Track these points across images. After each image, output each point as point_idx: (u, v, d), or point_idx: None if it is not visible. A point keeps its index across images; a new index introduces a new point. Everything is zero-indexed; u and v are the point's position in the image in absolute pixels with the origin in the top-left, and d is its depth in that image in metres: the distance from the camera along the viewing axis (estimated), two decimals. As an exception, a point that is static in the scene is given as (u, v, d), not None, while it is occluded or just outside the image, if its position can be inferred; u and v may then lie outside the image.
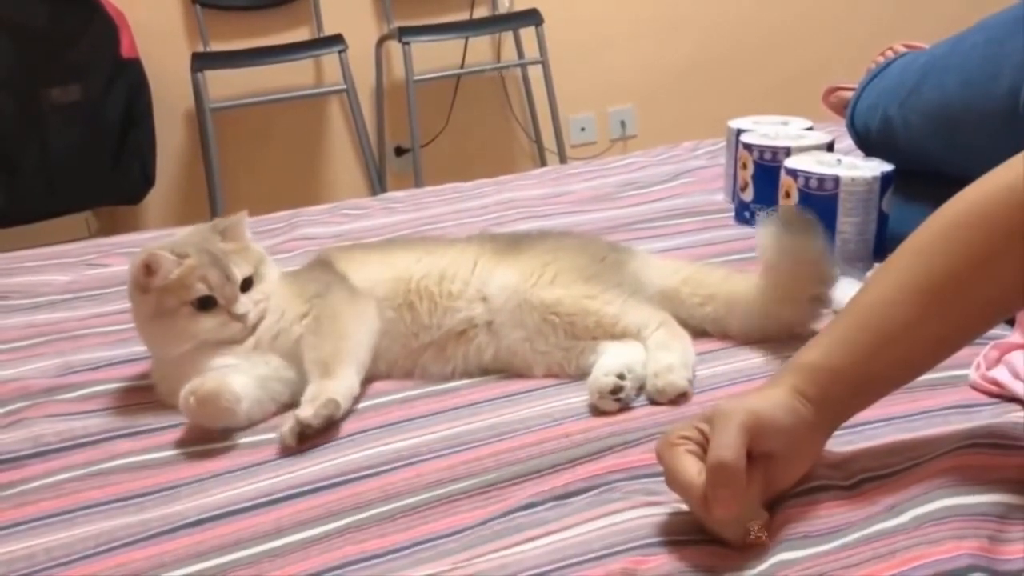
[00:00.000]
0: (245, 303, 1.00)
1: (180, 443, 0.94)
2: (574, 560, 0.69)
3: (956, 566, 0.63)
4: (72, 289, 1.36)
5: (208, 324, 0.99)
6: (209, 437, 0.94)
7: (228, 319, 0.99)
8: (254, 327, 1.01)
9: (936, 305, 0.72)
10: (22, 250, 1.58)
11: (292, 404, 0.97)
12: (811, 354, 0.74)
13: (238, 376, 0.95)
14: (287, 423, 0.91)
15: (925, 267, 0.73)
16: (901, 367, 0.75)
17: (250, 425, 0.95)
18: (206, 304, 0.99)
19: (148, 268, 0.98)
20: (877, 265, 1.19)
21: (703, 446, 0.69)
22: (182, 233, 1.08)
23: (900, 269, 0.75)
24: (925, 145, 1.25)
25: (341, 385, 0.95)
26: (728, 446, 0.66)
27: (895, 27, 2.55)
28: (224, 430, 0.94)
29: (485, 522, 0.75)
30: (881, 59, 1.48)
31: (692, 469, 0.68)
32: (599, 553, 0.70)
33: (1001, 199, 0.72)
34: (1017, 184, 0.72)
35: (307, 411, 0.91)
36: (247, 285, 1.02)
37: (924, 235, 0.75)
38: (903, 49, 1.49)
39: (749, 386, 0.95)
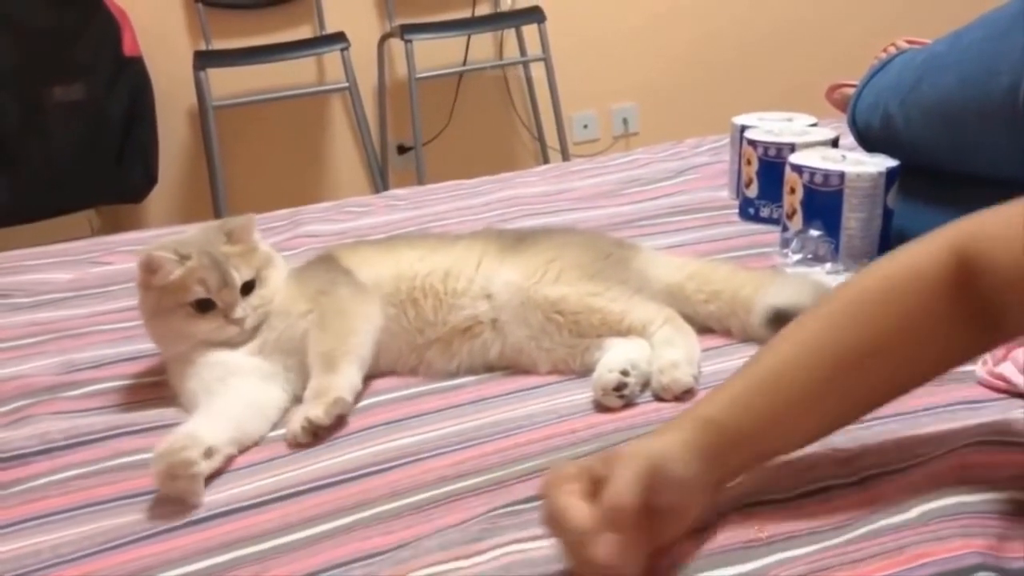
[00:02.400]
0: (243, 308, 1.00)
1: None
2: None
3: (964, 564, 0.63)
4: (75, 287, 1.36)
5: (205, 326, 0.99)
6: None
7: (225, 323, 0.99)
8: (254, 331, 1.01)
9: (839, 377, 0.71)
10: (25, 248, 1.58)
11: (293, 403, 0.97)
12: (710, 408, 0.71)
13: (209, 428, 0.89)
14: (296, 420, 0.91)
15: (831, 335, 0.72)
16: (795, 435, 0.73)
17: (244, 449, 0.92)
18: (204, 306, 0.99)
19: (149, 268, 0.99)
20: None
21: (593, 489, 0.65)
22: (190, 232, 1.08)
23: (807, 335, 0.73)
24: (926, 142, 1.25)
25: (344, 380, 0.95)
26: (627, 492, 0.63)
27: (899, 23, 2.55)
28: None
29: (491, 518, 0.75)
30: (883, 55, 1.48)
31: (579, 511, 0.64)
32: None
33: (907, 279, 0.72)
34: (920, 262, 0.71)
35: (318, 410, 0.91)
36: (248, 289, 1.02)
37: (834, 304, 0.74)
38: (905, 45, 1.48)
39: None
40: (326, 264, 1.11)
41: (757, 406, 0.71)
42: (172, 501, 0.83)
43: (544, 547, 0.70)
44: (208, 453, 0.86)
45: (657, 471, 0.65)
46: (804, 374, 0.71)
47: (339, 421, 0.93)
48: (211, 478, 0.87)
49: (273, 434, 0.94)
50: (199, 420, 0.90)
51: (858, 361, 0.71)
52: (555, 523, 0.65)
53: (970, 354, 0.76)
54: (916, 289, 0.70)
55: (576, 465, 0.68)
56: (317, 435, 0.91)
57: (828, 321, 0.73)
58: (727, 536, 0.69)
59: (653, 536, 0.67)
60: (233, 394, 0.95)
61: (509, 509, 0.76)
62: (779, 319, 0.98)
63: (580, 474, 0.66)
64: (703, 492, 0.69)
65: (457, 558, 0.70)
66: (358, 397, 0.99)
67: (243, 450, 0.91)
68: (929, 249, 0.72)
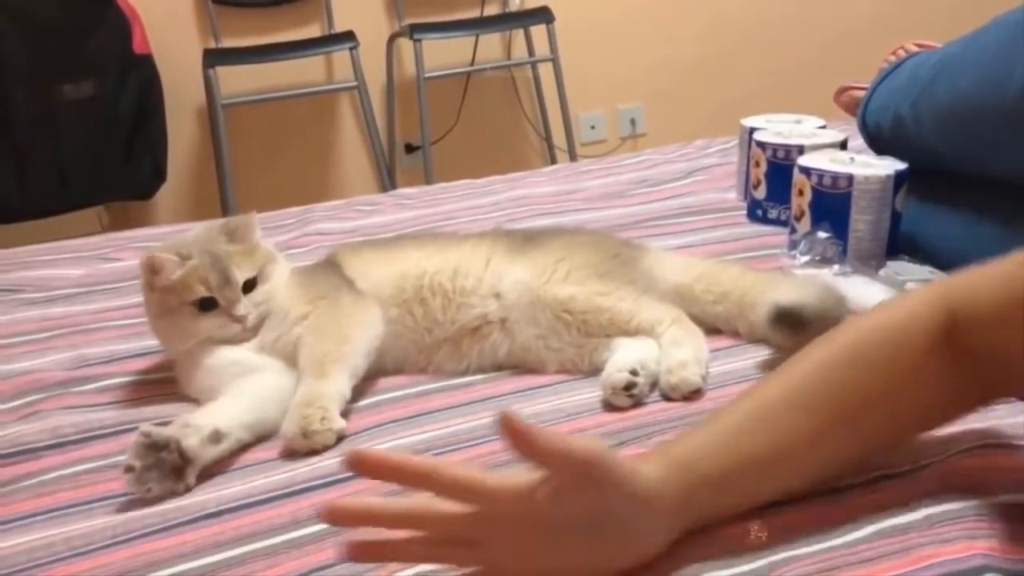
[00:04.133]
0: (246, 305, 1.01)
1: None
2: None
3: (970, 566, 0.63)
4: (86, 283, 1.37)
5: (208, 324, 1.00)
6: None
7: (228, 320, 1.00)
8: (256, 328, 1.02)
9: (827, 424, 0.69)
10: (35, 244, 1.59)
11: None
12: (684, 450, 0.69)
13: (220, 413, 0.91)
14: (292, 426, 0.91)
15: (813, 393, 0.70)
16: (774, 481, 0.70)
17: (258, 440, 0.93)
18: (207, 305, 1.00)
19: (151, 268, 1.00)
20: (890, 263, 1.19)
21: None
22: (192, 232, 1.08)
23: (796, 379, 0.71)
24: (937, 144, 1.25)
25: (332, 388, 0.94)
26: (553, 439, 0.61)
27: (907, 26, 2.54)
28: None
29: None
30: (893, 58, 1.48)
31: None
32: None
33: (898, 324, 0.71)
34: (914, 310, 0.71)
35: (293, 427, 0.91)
36: (250, 286, 1.02)
37: (826, 349, 0.72)
38: (915, 48, 1.48)
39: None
40: (329, 269, 1.11)
41: (732, 451, 0.68)
42: (190, 493, 0.84)
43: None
44: (215, 437, 0.87)
45: (605, 464, 0.63)
46: (791, 419, 0.69)
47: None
48: (222, 470, 0.87)
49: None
50: (211, 407, 0.92)
51: (841, 416, 0.69)
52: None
53: (961, 410, 0.74)
54: (909, 340, 0.69)
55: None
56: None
57: (819, 365, 0.71)
58: (727, 535, 0.69)
59: (598, 545, 0.64)
60: (251, 384, 0.96)
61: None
62: (783, 317, 0.98)
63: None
64: (666, 527, 0.66)
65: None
66: (366, 393, 0.99)
67: (259, 438, 0.92)
68: (917, 304, 0.71)
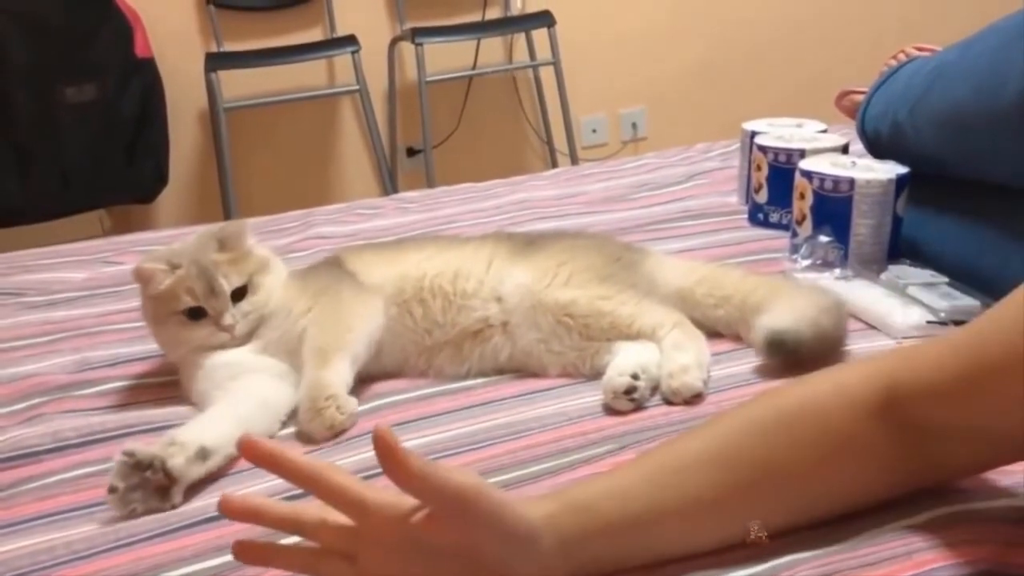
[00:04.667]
0: (233, 314, 1.01)
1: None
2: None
3: (972, 571, 0.63)
4: (89, 286, 1.37)
5: (198, 333, 1.01)
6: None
7: (216, 329, 1.01)
8: (248, 335, 1.02)
9: (745, 488, 0.66)
10: (36, 247, 1.59)
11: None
12: (585, 492, 0.67)
13: (207, 429, 0.89)
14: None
15: (746, 444, 0.67)
16: (680, 538, 0.67)
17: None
18: (196, 314, 1.00)
19: (141, 278, 1.01)
20: (891, 267, 1.19)
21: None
22: (186, 240, 1.09)
23: (719, 438, 0.68)
24: (935, 151, 1.25)
25: (334, 375, 0.95)
26: (427, 467, 0.59)
27: (908, 30, 2.55)
28: None
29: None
30: (893, 62, 1.48)
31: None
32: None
33: (833, 398, 0.68)
34: (850, 387, 0.67)
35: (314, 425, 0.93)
36: (240, 295, 1.03)
37: (753, 411, 0.69)
38: (915, 52, 1.48)
39: (763, 387, 0.95)
40: (330, 266, 1.11)
41: (643, 498, 0.65)
42: (191, 497, 0.84)
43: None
44: (202, 455, 0.85)
45: (481, 501, 0.61)
46: (705, 477, 0.66)
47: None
48: (223, 475, 0.87)
49: (284, 432, 0.95)
50: (198, 422, 0.91)
51: (769, 474, 0.66)
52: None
53: (896, 488, 0.69)
54: (840, 409, 0.67)
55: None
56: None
57: (743, 428, 0.68)
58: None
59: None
60: (242, 393, 0.96)
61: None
62: (776, 344, 0.98)
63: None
64: (544, 569, 0.64)
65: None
66: (366, 397, 0.99)
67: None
68: (859, 372, 0.68)
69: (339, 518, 0.64)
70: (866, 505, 0.69)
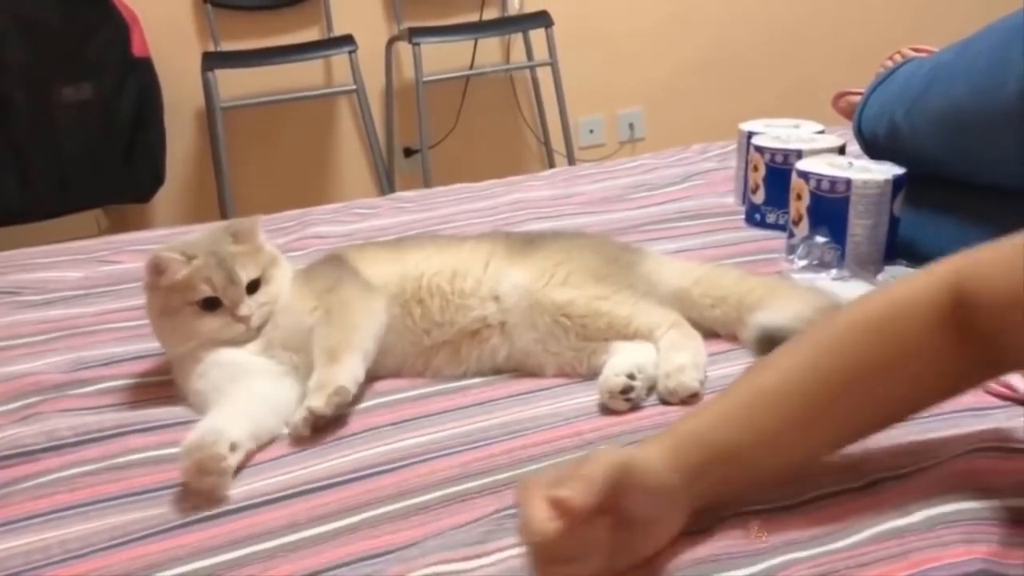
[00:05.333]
0: (249, 305, 1.01)
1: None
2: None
3: (967, 570, 0.64)
4: (85, 285, 1.37)
5: (212, 324, 1.00)
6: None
7: (231, 320, 1.00)
8: (259, 328, 1.02)
9: (832, 401, 0.70)
10: (33, 247, 1.59)
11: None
12: (695, 423, 0.71)
13: (231, 422, 0.89)
14: (298, 414, 0.92)
15: (824, 365, 0.71)
16: (781, 455, 0.71)
17: (262, 446, 0.92)
18: (211, 305, 1.00)
19: (156, 268, 1.00)
20: (888, 268, 1.20)
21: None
22: (196, 234, 1.09)
23: (802, 357, 0.73)
24: (932, 150, 1.25)
25: (346, 372, 0.95)
26: (583, 488, 0.62)
27: (905, 30, 2.55)
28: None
29: (496, 520, 0.76)
30: (889, 63, 1.49)
31: (542, 514, 0.63)
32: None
33: (891, 311, 0.72)
34: (908, 296, 0.71)
35: (318, 400, 0.91)
36: (254, 287, 1.03)
37: (832, 328, 0.74)
38: (911, 53, 1.49)
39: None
40: (334, 263, 1.11)
41: (745, 423, 0.70)
42: (187, 496, 0.84)
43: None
44: (232, 447, 0.86)
45: (625, 474, 0.64)
46: (796, 396, 0.70)
47: (341, 415, 0.93)
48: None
49: (279, 434, 0.95)
50: (220, 415, 0.91)
51: (852, 386, 0.70)
52: (524, 531, 0.64)
53: (963, 387, 0.74)
54: (912, 319, 0.70)
55: (552, 471, 0.68)
56: (317, 428, 0.92)
57: (824, 345, 0.73)
58: (727, 539, 0.69)
59: (623, 546, 0.66)
60: (246, 392, 0.96)
61: (513, 511, 0.76)
62: (768, 340, 0.98)
63: (553, 481, 0.64)
64: (680, 508, 0.68)
65: (463, 559, 0.71)
66: (364, 396, 0.99)
67: (261, 447, 0.92)
68: (926, 281, 0.71)
69: None
70: (924, 411, 0.75)
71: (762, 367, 0.74)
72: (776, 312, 1.01)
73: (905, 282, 0.74)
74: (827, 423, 0.71)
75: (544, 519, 0.62)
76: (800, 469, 0.73)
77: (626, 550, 0.67)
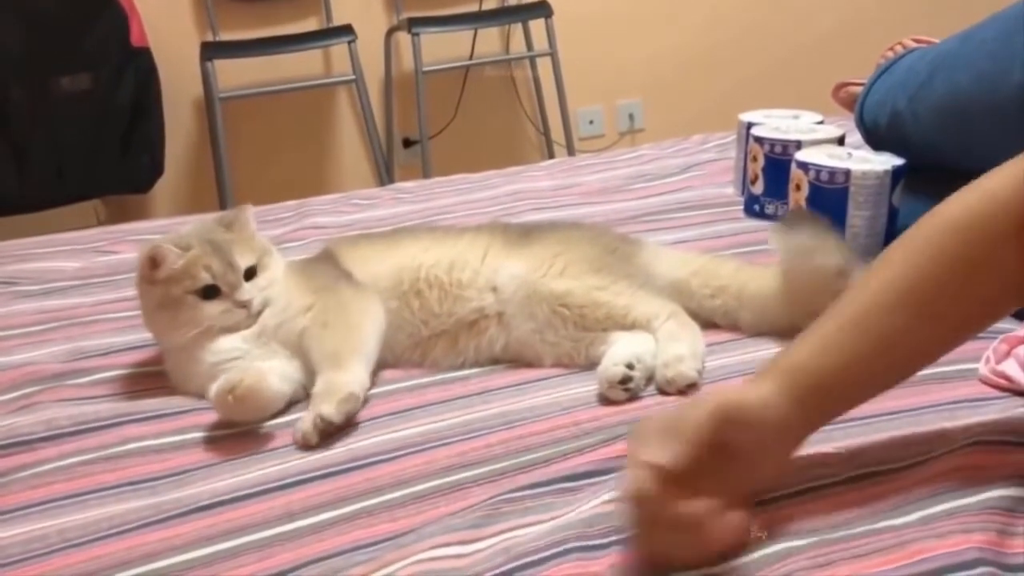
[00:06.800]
0: (249, 290, 1.01)
1: (192, 428, 0.94)
2: (577, 544, 0.70)
3: (964, 559, 0.64)
4: (82, 276, 1.37)
5: (213, 311, 1.00)
6: (222, 423, 0.94)
7: (232, 306, 1.00)
8: (258, 314, 1.02)
9: (928, 311, 0.71)
10: (32, 237, 1.59)
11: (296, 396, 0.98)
12: (798, 354, 0.72)
13: (274, 368, 0.96)
14: (307, 419, 0.90)
15: (915, 272, 0.72)
16: (889, 372, 0.73)
17: (272, 416, 0.94)
18: (210, 292, 1.00)
19: (153, 261, 1.00)
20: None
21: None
22: (187, 227, 1.08)
23: (889, 273, 0.73)
24: (935, 140, 1.25)
25: (353, 378, 0.95)
26: (681, 449, 0.64)
27: (906, 22, 2.54)
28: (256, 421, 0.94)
29: (492, 504, 0.76)
30: (891, 54, 1.48)
31: (644, 475, 0.65)
32: (600, 541, 0.70)
33: (984, 207, 0.72)
34: (999, 191, 0.72)
35: (328, 407, 0.90)
36: (251, 274, 1.03)
37: (915, 239, 0.74)
38: (912, 44, 1.48)
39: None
40: (328, 261, 1.11)
41: (849, 347, 0.70)
42: (184, 485, 0.84)
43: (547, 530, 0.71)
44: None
45: (731, 410, 0.66)
46: (891, 314, 0.71)
47: (349, 420, 0.92)
48: (215, 462, 0.88)
49: (278, 422, 0.95)
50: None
51: (945, 292, 0.71)
52: (627, 494, 0.67)
53: (1012, 308, 0.75)
54: (995, 219, 0.70)
55: (659, 419, 0.69)
56: (329, 434, 0.90)
57: (910, 257, 0.73)
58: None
59: (735, 482, 0.68)
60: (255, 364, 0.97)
61: (510, 496, 0.76)
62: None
63: (661, 433, 0.66)
64: (787, 437, 0.70)
65: (459, 542, 0.71)
66: (365, 396, 0.99)
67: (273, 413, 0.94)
68: (1012, 174, 0.72)
69: None
70: (989, 326, 0.76)
71: (857, 288, 0.74)
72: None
73: (988, 178, 0.74)
74: (927, 333, 0.72)
75: (645, 482, 0.64)
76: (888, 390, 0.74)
77: (737, 485, 0.68)
